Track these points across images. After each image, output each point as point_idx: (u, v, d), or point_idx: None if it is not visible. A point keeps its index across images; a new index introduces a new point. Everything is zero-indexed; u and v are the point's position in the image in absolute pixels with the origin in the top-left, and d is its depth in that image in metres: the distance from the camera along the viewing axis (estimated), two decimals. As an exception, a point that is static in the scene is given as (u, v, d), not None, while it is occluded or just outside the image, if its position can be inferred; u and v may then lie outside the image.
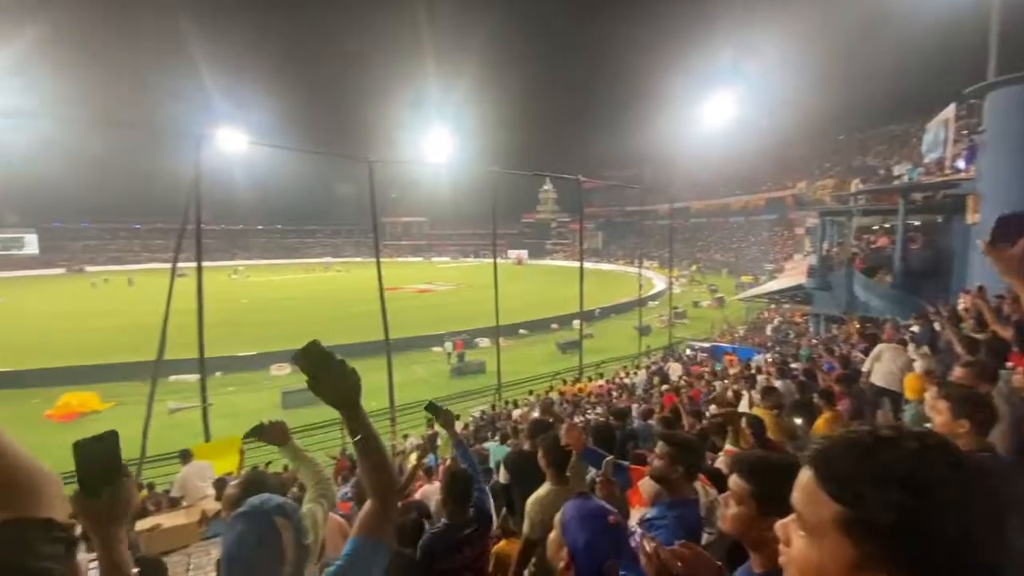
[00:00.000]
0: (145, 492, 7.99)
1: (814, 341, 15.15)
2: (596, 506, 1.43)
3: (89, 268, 66.66)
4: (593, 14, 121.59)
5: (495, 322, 15.71)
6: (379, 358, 12.35)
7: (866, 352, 6.45)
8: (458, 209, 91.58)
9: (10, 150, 52.04)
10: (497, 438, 8.63)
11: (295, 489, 4.80)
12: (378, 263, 12.60)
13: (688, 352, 19.69)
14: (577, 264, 20.02)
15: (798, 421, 3.92)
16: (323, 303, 36.49)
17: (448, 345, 21.98)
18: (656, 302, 35.96)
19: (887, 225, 18.97)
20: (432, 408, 3.12)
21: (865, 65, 61.40)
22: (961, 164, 16.11)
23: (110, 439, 0.93)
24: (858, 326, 12.17)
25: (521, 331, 26.56)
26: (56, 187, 69.91)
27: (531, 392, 14.81)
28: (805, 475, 0.62)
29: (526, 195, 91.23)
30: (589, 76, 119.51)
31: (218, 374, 18.31)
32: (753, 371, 8.87)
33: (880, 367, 5.40)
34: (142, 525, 4.80)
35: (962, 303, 7.78)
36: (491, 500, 3.05)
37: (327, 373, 1.10)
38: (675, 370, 14.09)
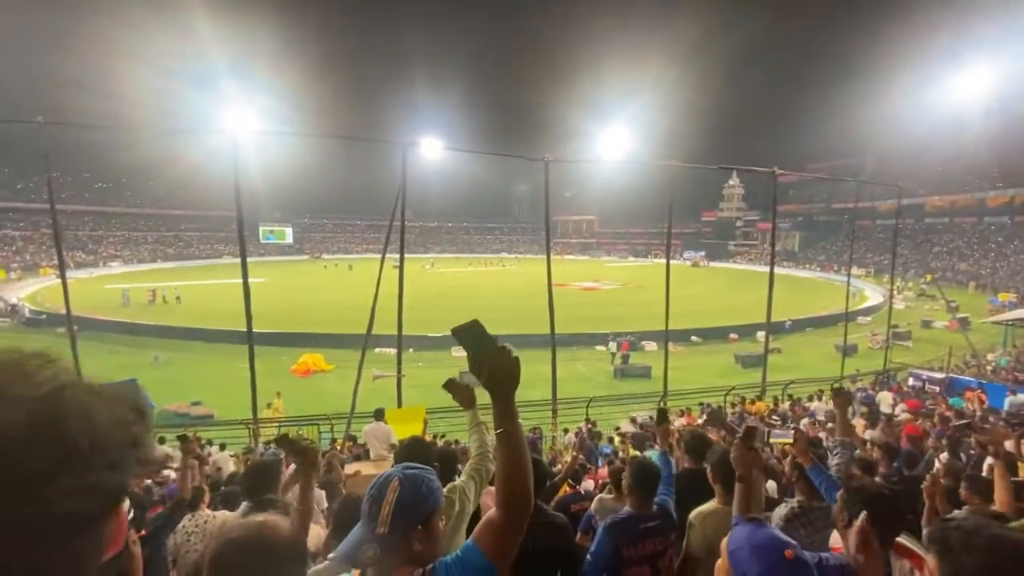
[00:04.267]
0: (349, 443, 9.67)
1: None
2: (770, 536, 1.26)
3: (325, 256, 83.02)
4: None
5: (664, 325, 14.93)
6: (544, 351, 12.77)
7: None
8: (630, 206, 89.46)
9: (271, 158, 67.13)
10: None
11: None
12: (548, 259, 13.00)
13: (912, 382, 16.00)
14: (765, 268, 17.78)
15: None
16: (498, 294, 39.26)
17: (612, 345, 21.68)
18: (868, 318, 30.01)
19: None
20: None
21: None
22: None
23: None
24: None
25: (693, 338, 24.79)
26: (305, 190, 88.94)
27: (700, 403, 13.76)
28: None
29: (707, 193, 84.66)
30: (796, 54, 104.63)
31: (411, 350, 21.12)
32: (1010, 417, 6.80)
33: None
34: (348, 470, 5.83)
35: None
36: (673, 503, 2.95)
37: (485, 352, 1.12)
38: (885, 400, 11.61)
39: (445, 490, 1.73)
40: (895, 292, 28.31)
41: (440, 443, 8.13)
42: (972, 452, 5.40)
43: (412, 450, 2.23)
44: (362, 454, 8.16)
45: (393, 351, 13.84)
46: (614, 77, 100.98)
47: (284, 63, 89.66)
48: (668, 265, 14.38)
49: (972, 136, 56.25)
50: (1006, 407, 10.18)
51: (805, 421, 9.90)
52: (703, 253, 78.69)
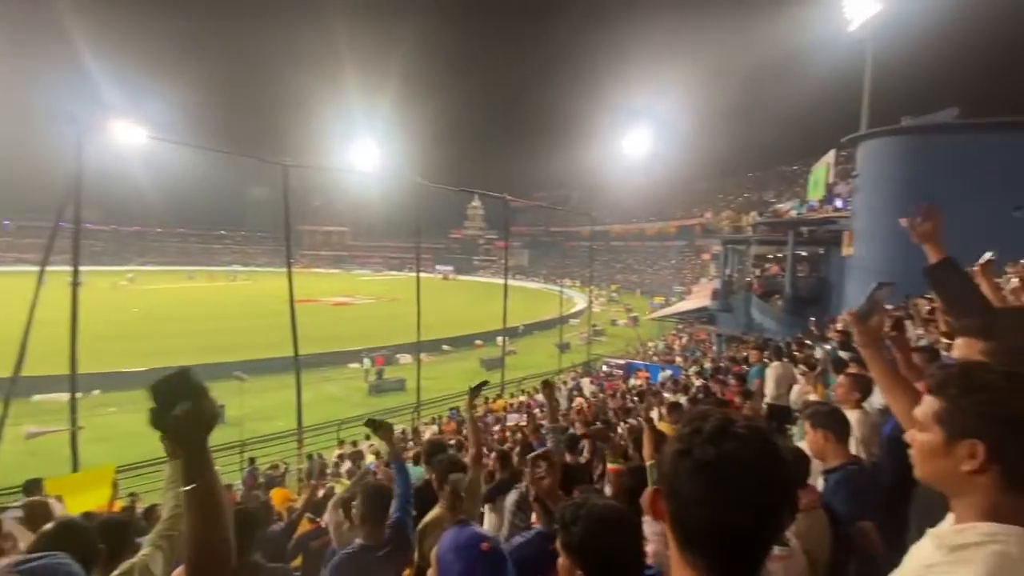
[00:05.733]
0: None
1: (719, 358, 16.32)
2: (470, 534, 1.37)
3: (-67, 268, 56.67)
4: (527, 43, 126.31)
5: (417, 338, 15.34)
6: (287, 375, 11.53)
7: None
8: (383, 221, 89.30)
9: None
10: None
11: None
12: (289, 273, 11.85)
13: (604, 368, 20.42)
14: (503, 281, 20.19)
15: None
16: (228, 314, 33.67)
17: (367, 361, 21.09)
18: (577, 320, 37.08)
19: (779, 254, 21.07)
20: (371, 423, 2.94)
21: (762, 112, 69.13)
22: (840, 203, 18.39)
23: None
24: (754, 346, 13.28)
25: (445, 347, 26.16)
26: None
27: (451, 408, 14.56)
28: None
29: (455, 211, 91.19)
30: (522, 101, 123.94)
31: (96, 392, 16.17)
32: (659, 388, 9.33)
33: (768, 385, 5.89)
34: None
35: (840, 323, 8.79)
36: (411, 522, 2.89)
37: (182, 405, 0.88)
38: (587, 387, 14.53)
39: (117, 572, 1.43)
40: (593, 299, 35.78)
41: (140, 508, 6.41)
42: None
43: (59, 537, 1.60)
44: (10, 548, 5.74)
45: (63, 396, 10.32)
46: (363, 90, 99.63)
47: None
48: (419, 279, 14.86)
49: (638, 180, 76.46)
50: (659, 380, 13.96)
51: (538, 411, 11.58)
52: (451, 268, 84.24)
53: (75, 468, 8.40)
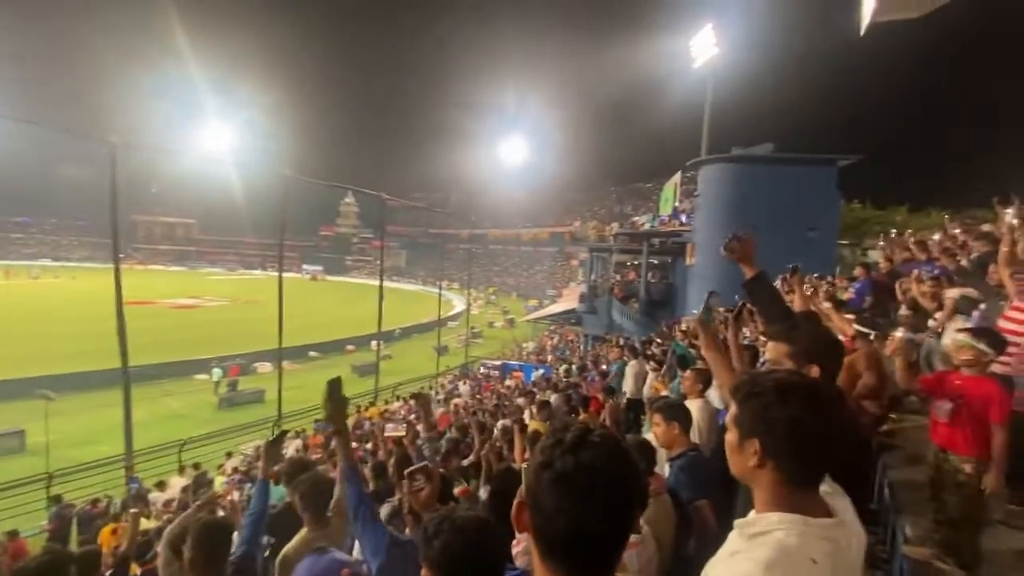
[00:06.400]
0: None
1: (585, 357, 17.55)
2: (329, 561, 1.30)
3: None
4: (407, 37, 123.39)
5: (279, 343, 14.01)
6: (113, 390, 9.74)
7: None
8: (239, 214, 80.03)
9: None
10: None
11: None
12: (116, 269, 10.05)
13: (481, 370, 20.76)
14: (378, 282, 19.38)
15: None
16: (32, 318, 27.45)
17: (217, 372, 18.69)
18: (456, 322, 37.11)
19: (636, 262, 23.43)
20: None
21: (623, 132, 76.77)
22: (684, 219, 21.03)
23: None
24: (615, 344, 14.57)
25: (312, 353, 24.34)
26: None
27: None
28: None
29: (326, 207, 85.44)
30: (402, 99, 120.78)
31: None
32: (532, 388, 9.76)
33: (627, 381, 6.49)
34: None
35: (684, 324, 10.06)
36: (260, 552, 2.56)
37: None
38: (465, 390, 14.65)
39: None
40: (471, 301, 36.20)
41: None
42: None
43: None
44: None
45: None
46: (226, 70, 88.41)
47: None
48: (281, 278, 13.63)
49: (515, 187, 79.21)
50: (531, 379, 14.58)
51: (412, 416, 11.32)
52: (321, 267, 78.80)
53: None
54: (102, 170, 10.27)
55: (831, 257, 15.76)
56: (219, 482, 8.82)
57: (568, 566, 0.69)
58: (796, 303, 3.06)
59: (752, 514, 0.93)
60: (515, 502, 0.72)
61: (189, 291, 44.87)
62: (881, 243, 10.58)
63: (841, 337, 2.81)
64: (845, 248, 19.20)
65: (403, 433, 4.08)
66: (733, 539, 0.93)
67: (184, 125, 60.57)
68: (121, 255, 11.48)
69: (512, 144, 70.18)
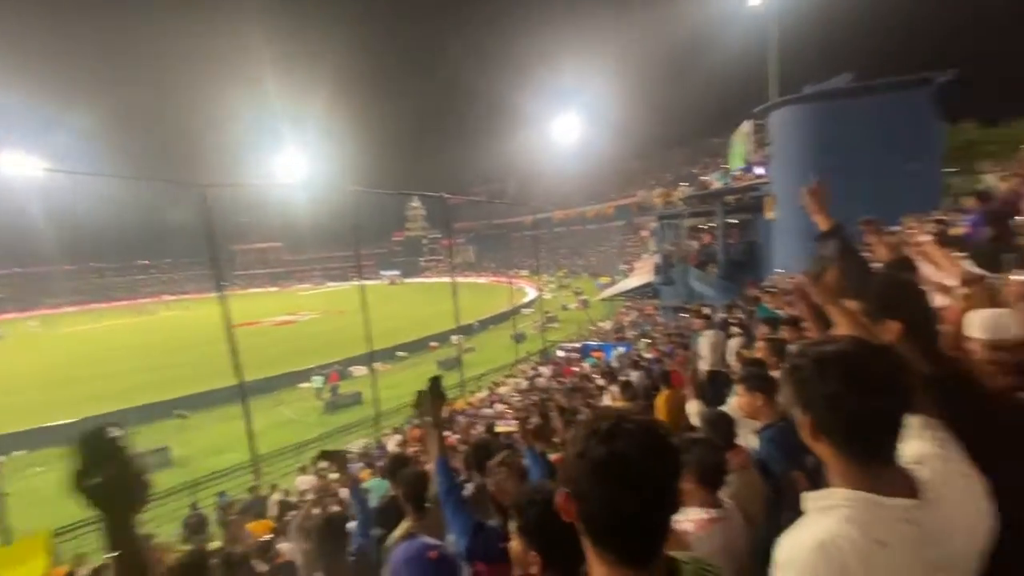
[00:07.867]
0: None
1: (667, 331, 17.01)
2: (418, 545, 1.40)
3: None
4: (450, 39, 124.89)
5: (368, 347, 14.97)
6: (232, 405, 10.96)
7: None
8: (317, 232, 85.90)
9: None
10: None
11: None
12: (222, 296, 11.22)
13: (560, 354, 20.80)
14: (451, 279, 20.04)
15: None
16: (162, 348, 31.46)
17: (317, 380, 20.34)
18: (530, 309, 37.39)
19: (710, 224, 22.16)
20: (325, 455, 2.67)
21: (680, 89, 72.30)
22: (759, 171, 19.54)
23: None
24: (697, 314, 13.96)
25: (399, 353, 25.69)
26: None
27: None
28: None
29: (393, 214, 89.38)
30: (449, 99, 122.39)
31: (18, 453, 14.77)
32: (611, 366, 9.63)
33: (704, 352, 6.21)
34: None
35: (771, 286, 9.41)
36: (375, 543, 2.81)
37: (105, 469, 0.82)
38: (546, 373, 14.78)
39: None
40: (542, 286, 36.25)
41: (85, 572, 5.93)
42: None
43: None
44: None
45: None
46: (287, 101, 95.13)
47: None
48: (363, 287, 14.49)
49: (572, 165, 77.87)
50: (612, 356, 14.41)
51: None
52: (398, 272, 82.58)
53: (6, 540, 7.68)
54: (200, 210, 11.50)
55: (938, 189, 13.93)
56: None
57: (614, 551, 0.71)
58: (882, 255, 2.75)
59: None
60: (558, 492, 0.74)
61: (285, 308, 49.10)
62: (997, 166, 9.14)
63: (950, 282, 2.50)
64: (955, 176, 16.84)
65: (513, 429, 4.23)
66: (806, 512, 0.89)
67: (261, 160, 65.73)
68: (224, 283, 12.79)
69: (564, 122, 68.91)
